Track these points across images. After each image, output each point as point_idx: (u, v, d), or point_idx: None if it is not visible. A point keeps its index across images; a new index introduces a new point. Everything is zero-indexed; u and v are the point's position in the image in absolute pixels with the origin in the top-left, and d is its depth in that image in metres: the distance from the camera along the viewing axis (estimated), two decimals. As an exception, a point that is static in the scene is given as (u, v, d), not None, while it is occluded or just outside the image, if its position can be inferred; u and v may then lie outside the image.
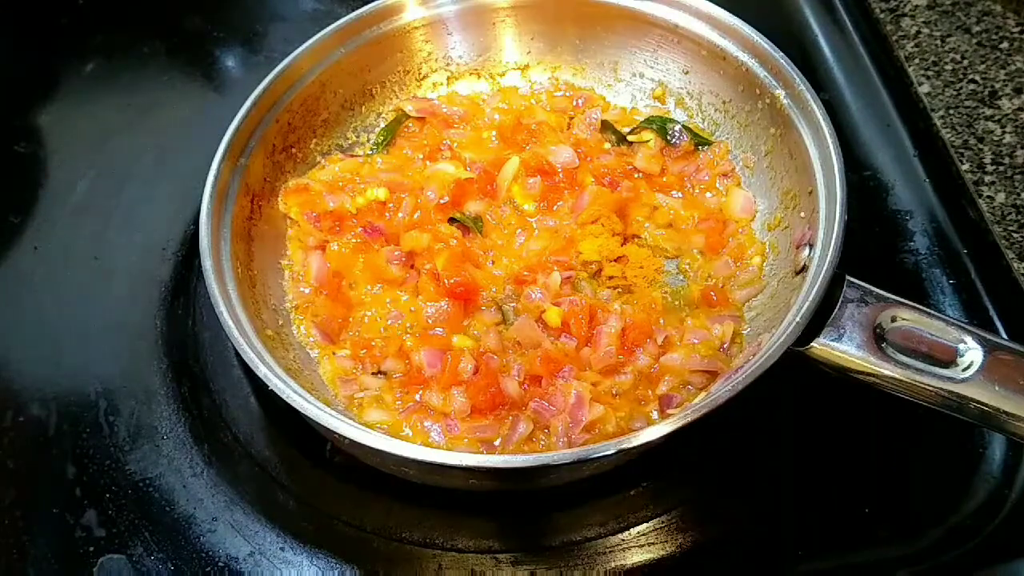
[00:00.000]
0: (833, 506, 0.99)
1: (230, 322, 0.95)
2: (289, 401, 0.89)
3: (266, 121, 1.15)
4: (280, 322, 1.09)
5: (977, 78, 1.33)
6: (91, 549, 0.98)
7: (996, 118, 1.28)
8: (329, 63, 1.22)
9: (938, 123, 1.28)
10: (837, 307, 0.90)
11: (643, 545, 0.97)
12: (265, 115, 1.15)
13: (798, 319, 0.88)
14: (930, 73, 1.34)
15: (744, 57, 1.15)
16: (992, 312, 1.11)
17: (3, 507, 1.02)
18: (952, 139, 1.26)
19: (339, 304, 1.12)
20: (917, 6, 1.44)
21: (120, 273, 1.23)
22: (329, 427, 0.87)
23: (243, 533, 0.99)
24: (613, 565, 0.96)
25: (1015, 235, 1.16)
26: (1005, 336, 1.07)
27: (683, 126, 1.24)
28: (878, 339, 0.88)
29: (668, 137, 1.23)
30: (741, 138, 1.21)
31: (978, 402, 0.84)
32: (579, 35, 1.31)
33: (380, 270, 1.11)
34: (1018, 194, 1.20)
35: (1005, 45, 1.36)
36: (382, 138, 1.28)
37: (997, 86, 1.31)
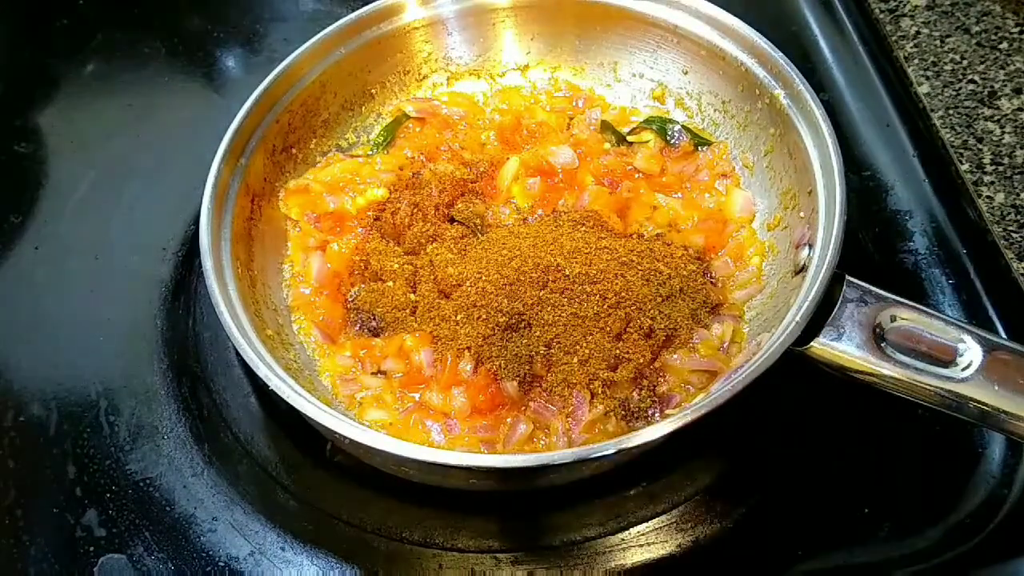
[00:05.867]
0: (833, 506, 0.99)
1: (230, 322, 0.95)
2: (289, 401, 0.89)
3: (266, 121, 1.15)
4: (280, 322, 1.09)
5: (976, 78, 1.33)
6: (91, 549, 0.99)
7: (995, 118, 1.28)
8: (329, 63, 1.22)
9: (937, 123, 1.28)
10: (837, 307, 0.90)
11: (643, 545, 0.97)
12: (265, 115, 1.15)
13: (798, 319, 0.88)
14: (929, 73, 1.34)
15: (743, 57, 1.16)
16: (991, 312, 1.11)
17: (3, 507, 1.02)
18: (951, 139, 1.26)
19: (339, 304, 1.12)
20: (916, 6, 1.44)
21: (120, 273, 1.23)
22: (329, 427, 0.87)
23: (243, 533, 0.99)
24: (613, 565, 0.96)
25: (1014, 235, 1.16)
26: (1004, 336, 1.07)
27: (682, 126, 1.24)
28: (878, 339, 0.88)
29: (668, 137, 1.23)
30: (740, 138, 1.22)
31: (977, 401, 0.84)
32: (579, 35, 1.31)
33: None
34: (1017, 194, 1.20)
35: (1004, 45, 1.36)
36: (382, 138, 1.28)
37: (996, 86, 1.31)
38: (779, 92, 1.11)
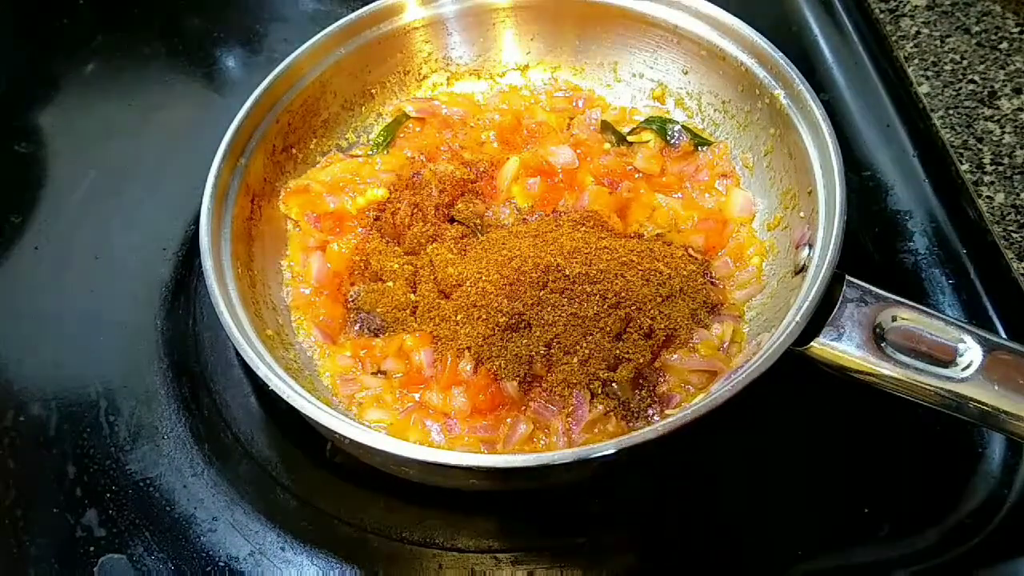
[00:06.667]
0: (833, 506, 0.99)
1: (230, 322, 0.95)
2: (289, 401, 0.89)
3: (266, 121, 1.15)
4: (280, 322, 1.09)
5: (976, 78, 1.33)
6: (91, 549, 0.99)
7: (995, 118, 1.28)
8: (329, 63, 1.22)
9: (937, 123, 1.28)
10: (837, 307, 0.90)
11: (643, 544, 0.97)
12: (265, 115, 1.15)
13: (798, 319, 0.88)
14: (929, 73, 1.34)
15: (744, 57, 1.16)
16: (991, 312, 1.11)
17: (3, 507, 1.02)
18: (951, 139, 1.26)
19: (339, 304, 1.12)
20: (916, 6, 1.44)
21: (120, 273, 1.23)
22: (329, 427, 0.87)
23: (243, 533, 0.99)
24: (613, 565, 0.96)
25: (1014, 235, 1.16)
26: (1004, 336, 1.07)
27: (683, 126, 1.24)
28: (878, 339, 0.88)
29: (668, 137, 1.23)
30: (741, 138, 1.22)
31: (977, 401, 0.84)
32: (579, 35, 1.31)
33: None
34: (1017, 194, 1.20)
35: (1004, 45, 1.36)
36: (382, 138, 1.28)
37: (996, 86, 1.31)
38: (779, 92, 1.11)
